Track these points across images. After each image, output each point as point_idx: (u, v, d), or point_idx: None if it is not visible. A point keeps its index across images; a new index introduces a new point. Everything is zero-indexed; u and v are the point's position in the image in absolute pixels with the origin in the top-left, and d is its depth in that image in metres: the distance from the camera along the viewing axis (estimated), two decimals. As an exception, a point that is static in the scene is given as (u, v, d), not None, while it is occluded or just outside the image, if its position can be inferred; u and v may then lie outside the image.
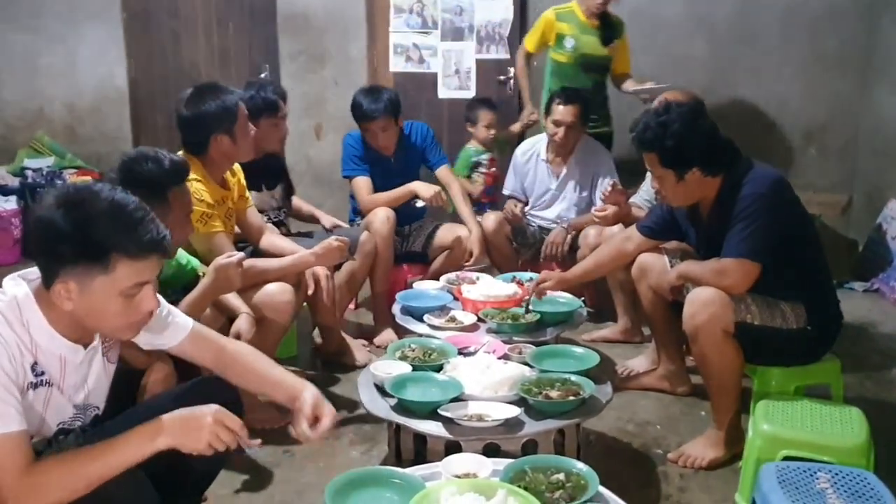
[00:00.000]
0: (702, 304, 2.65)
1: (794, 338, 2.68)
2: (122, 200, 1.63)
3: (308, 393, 1.94)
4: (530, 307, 3.15)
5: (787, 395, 2.72)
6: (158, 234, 1.65)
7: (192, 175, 2.88)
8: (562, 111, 4.18)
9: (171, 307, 1.98)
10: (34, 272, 1.68)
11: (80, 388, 1.76)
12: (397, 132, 4.09)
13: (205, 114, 3.02)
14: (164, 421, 1.67)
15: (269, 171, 3.75)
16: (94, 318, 1.66)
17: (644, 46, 5.54)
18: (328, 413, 1.92)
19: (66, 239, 1.56)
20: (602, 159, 4.35)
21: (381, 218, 3.86)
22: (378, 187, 4.04)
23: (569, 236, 4.21)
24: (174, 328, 1.96)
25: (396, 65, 5.67)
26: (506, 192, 4.54)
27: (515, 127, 4.97)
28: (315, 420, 1.91)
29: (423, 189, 3.98)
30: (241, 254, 2.63)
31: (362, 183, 4.04)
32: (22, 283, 1.66)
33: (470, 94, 5.49)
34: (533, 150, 4.44)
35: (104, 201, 1.60)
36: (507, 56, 5.60)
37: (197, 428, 1.68)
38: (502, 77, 5.64)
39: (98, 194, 1.62)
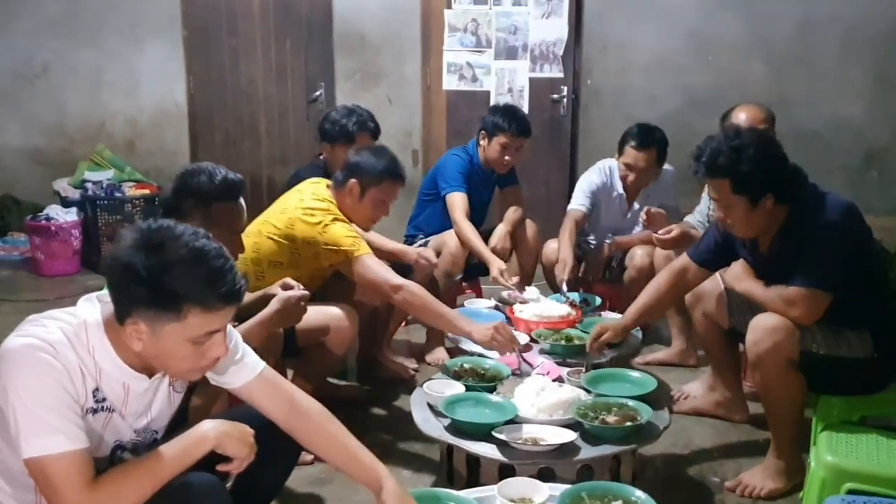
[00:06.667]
0: (766, 331, 2.58)
1: (859, 367, 2.60)
2: (202, 248, 1.60)
3: (389, 489, 1.85)
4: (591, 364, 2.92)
5: (851, 426, 2.63)
6: (235, 284, 1.62)
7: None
8: (634, 156, 3.95)
9: (247, 348, 1.93)
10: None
11: (143, 416, 1.78)
12: None
13: (359, 159, 3.15)
14: (212, 421, 1.73)
15: None
16: (162, 359, 1.67)
17: (700, 67, 5.51)
18: None
19: (141, 283, 1.55)
20: (669, 192, 4.14)
21: (456, 242, 3.88)
22: None
23: (612, 253, 4.13)
24: (241, 368, 1.89)
25: (450, 83, 5.70)
26: (571, 206, 4.15)
27: None
28: None
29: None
30: (306, 292, 2.65)
31: (460, 200, 4.00)
32: (96, 307, 1.67)
33: (524, 110, 5.48)
34: (609, 180, 4.16)
35: (183, 248, 1.58)
36: (561, 75, 5.60)
37: (242, 436, 1.74)
38: (555, 96, 5.63)
39: (178, 239, 1.59)
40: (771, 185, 2.55)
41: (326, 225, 2.97)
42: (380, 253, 3.34)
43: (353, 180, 3.09)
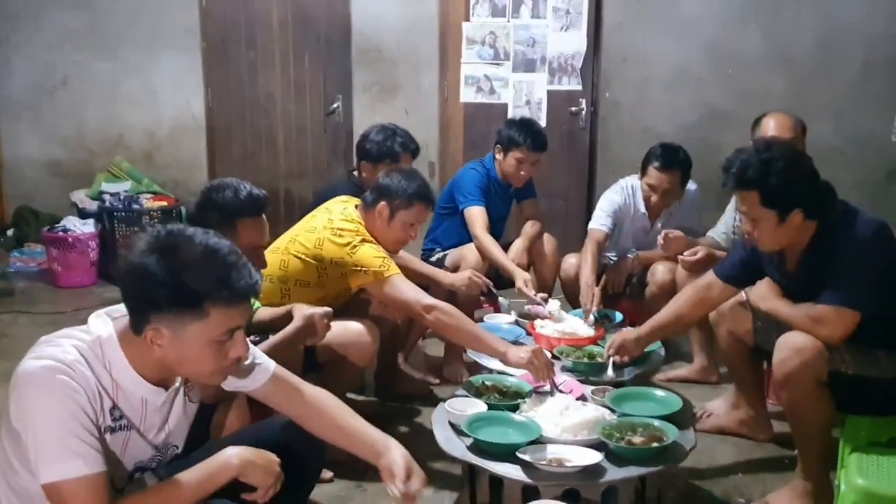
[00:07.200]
0: (794, 350, 2.54)
1: (890, 387, 2.55)
2: (215, 246, 1.61)
3: (397, 452, 1.87)
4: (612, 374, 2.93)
5: (880, 447, 2.58)
6: (251, 279, 1.62)
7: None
8: (657, 177, 3.88)
9: (256, 350, 1.94)
10: (120, 310, 1.67)
11: (161, 430, 1.76)
12: None
13: (389, 181, 3.11)
14: (236, 448, 1.71)
15: None
16: (184, 364, 1.65)
17: (720, 81, 5.49)
18: (418, 474, 1.86)
19: (160, 286, 1.54)
20: (692, 212, 4.08)
21: (475, 257, 3.85)
22: None
23: (633, 268, 4.10)
24: (257, 371, 1.90)
25: (467, 95, 5.70)
26: (593, 226, 4.05)
27: None
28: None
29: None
30: (329, 309, 2.63)
31: (479, 214, 3.99)
32: (108, 322, 1.65)
33: (541, 124, 5.46)
34: (632, 200, 4.08)
35: (198, 247, 1.59)
36: (580, 87, 5.58)
37: (267, 465, 1.73)
38: (574, 108, 5.61)
39: (191, 239, 1.60)
40: (800, 200, 2.52)
41: (355, 246, 2.95)
42: (415, 276, 3.35)
43: (382, 202, 3.07)
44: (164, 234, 1.61)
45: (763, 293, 2.80)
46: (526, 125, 4.12)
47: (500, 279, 3.95)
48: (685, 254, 3.51)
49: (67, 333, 1.64)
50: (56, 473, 1.51)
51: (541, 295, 3.64)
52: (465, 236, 4.01)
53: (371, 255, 2.95)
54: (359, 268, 2.93)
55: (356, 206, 3.14)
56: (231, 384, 1.88)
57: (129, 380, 1.64)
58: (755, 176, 2.52)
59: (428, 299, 2.94)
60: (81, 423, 1.54)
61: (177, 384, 1.75)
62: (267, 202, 2.53)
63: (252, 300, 2.58)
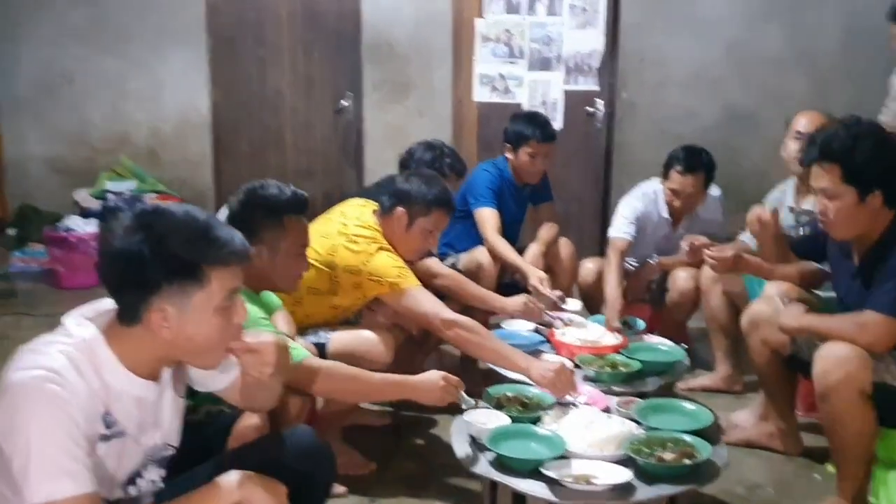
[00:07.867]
0: (837, 361, 2.41)
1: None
2: (191, 210, 1.58)
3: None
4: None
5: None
6: (238, 236, 1.59)
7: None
8: (680, 181, 3.77)
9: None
10: (93, 308, 1.59)
11: (156, 429, 1.66)
12: None
13: (408, 186, 2.98)
14: (239, 473, 1.61)
15: None
16: (193, 339, 1.56)
17: (742, 81, 5.37)
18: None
19: (153, 264, 1.48)
20: (715, 219, 3.98)
21: (488, 260, 3.74)
22: None
23: (655, 275, 3.99)
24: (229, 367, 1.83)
25: (481, 95, 5.56)
26: (615, 234, 3.87)
27: None
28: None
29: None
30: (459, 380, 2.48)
31: (491, 215, 3.88)
32: (87, 324, 1.55)
33: (556, 125, 5.34)
34: (655, 206, 3.94)
35: (174, 216, 1.54)
36: (597, 87, 5.46)
37: (271, 490, 1.62)
38: (590, 109, 5.48)
39: (166, 211, 1.56)
40: (882, 182, 2.44)
41: (371, 254, 2.81)
42: (467, 299, 3.28)
43: (400, 209, 2.92)
44: (137, 215, 1.55)
45: (796, 314, 2.70)
46: (531, 118, 4.04)
47: (516, 287, 3.83)
48: (712, 250, 3.38)
49: (49, 340, 1.53)
50: (43, 494, 1.40)
51: (557, 293, 3.51)
52: (480, 240, 3.89)
53: (388, 264, 2.81)
54: (374, 277, 2.80)
55: (373, 211, 3.01)
56: (201, 383, 1.80)
57: (120, 379, 1.54)
58: (840, 149, 2.44)
59: (447, 313, 2.79)
60: (72, 437, 1.43)
61: (165, 377, 1.67)
62: (308, 203, 2.47)
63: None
